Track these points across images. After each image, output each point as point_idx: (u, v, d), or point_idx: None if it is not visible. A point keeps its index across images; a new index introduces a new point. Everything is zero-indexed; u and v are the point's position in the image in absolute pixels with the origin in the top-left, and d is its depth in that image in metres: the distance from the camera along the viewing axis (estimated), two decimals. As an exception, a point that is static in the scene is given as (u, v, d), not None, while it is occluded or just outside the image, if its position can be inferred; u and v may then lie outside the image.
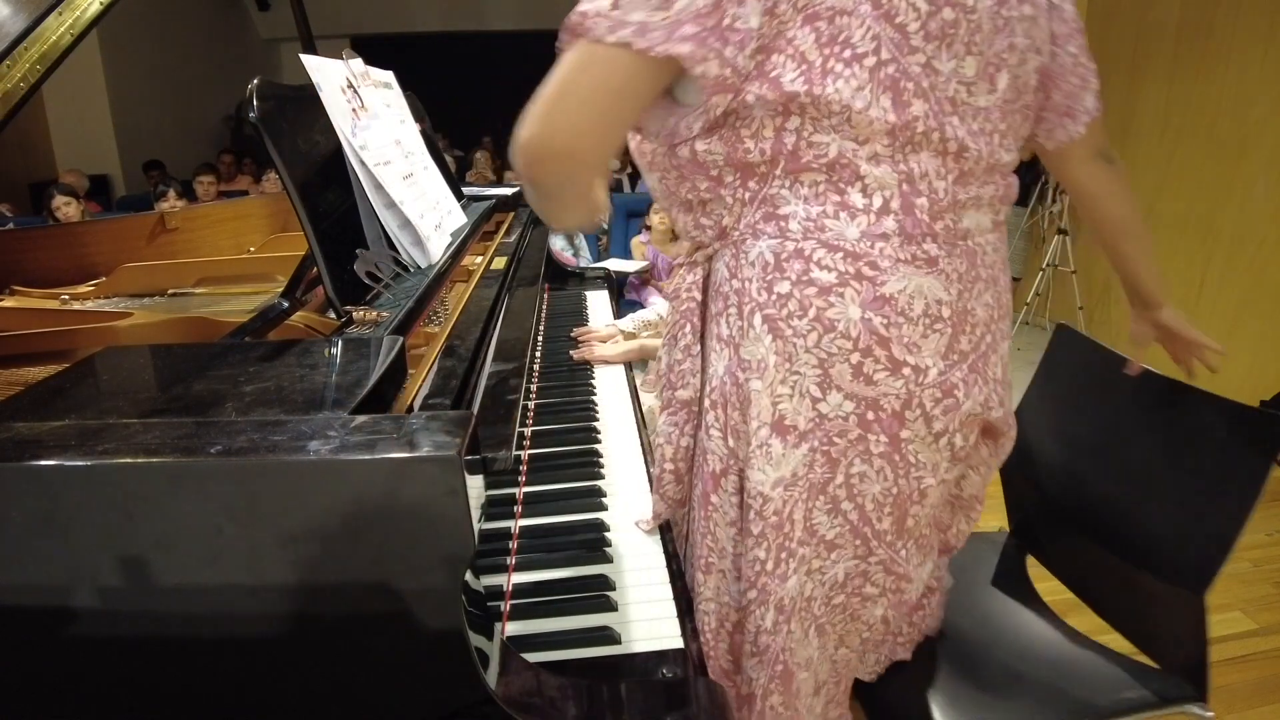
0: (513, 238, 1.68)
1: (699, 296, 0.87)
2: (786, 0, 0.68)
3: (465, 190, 1.93)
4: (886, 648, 1.03)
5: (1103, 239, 1.03)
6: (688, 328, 0.88)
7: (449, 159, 3.00)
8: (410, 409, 0.77)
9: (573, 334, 1.61)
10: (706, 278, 0.86)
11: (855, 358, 0.75)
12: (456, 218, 1.45)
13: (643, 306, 2.66)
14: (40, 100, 4.99)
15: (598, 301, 2.02)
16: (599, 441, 1.18)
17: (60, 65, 1.13)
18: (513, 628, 0.78)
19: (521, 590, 0.84)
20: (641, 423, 1.28)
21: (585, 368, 1.49)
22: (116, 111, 6.30)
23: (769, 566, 0.81)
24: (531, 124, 0.70)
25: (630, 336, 1.61)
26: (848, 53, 0.69)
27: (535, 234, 1.87)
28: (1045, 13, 0.80)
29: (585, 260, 3.93)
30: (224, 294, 1.37)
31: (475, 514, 0.55)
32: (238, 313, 1.06)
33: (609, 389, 1.40)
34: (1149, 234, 1.03)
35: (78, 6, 1.14)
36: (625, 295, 3.89)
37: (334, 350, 0.78)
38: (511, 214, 1.99)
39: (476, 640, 0.57)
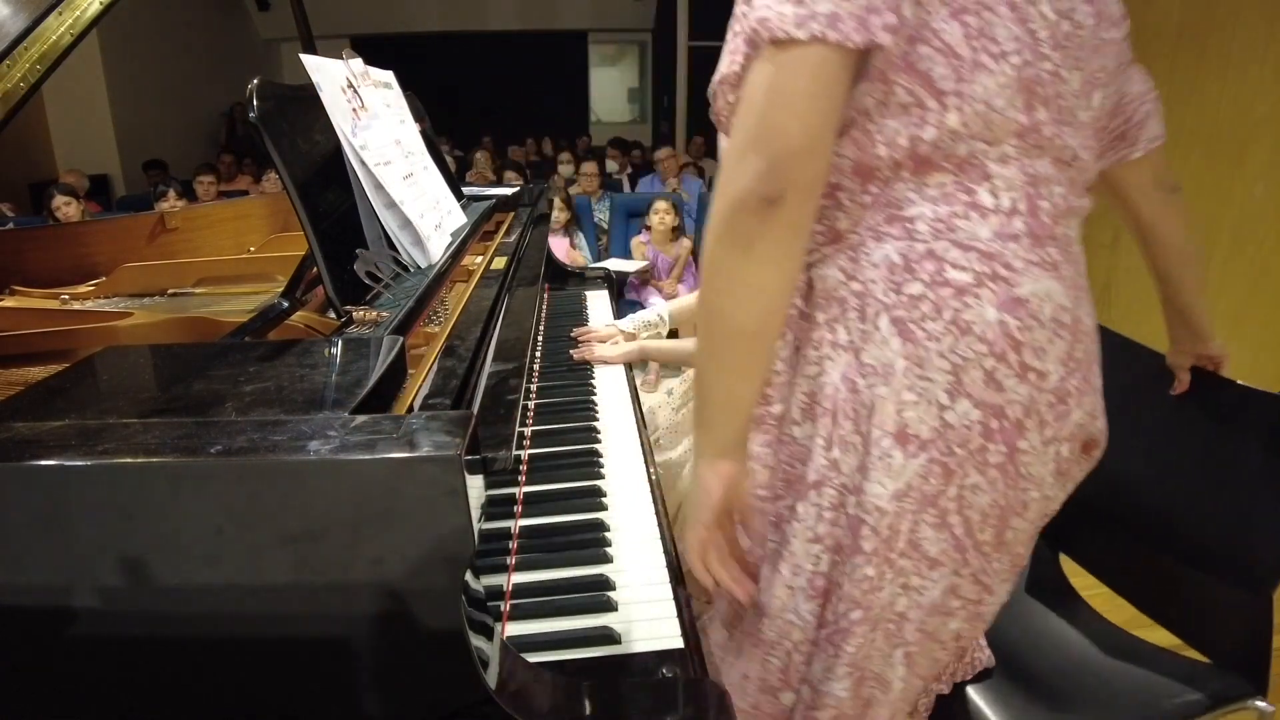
0: (513, 238, 1.68)
1: (800, 304, 0.81)
2: None
3: (465, 190, 1.93)
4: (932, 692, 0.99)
5: (1159, 268, 1.02)
6: (789, 337, 0.82)
7: (449, 159, 2.99)
8: (410, 409, 0.77)
9: (572, 334, 1.61)
10: (808, 284, 0.80)
11: (989, 363, 0.72)
12: (456, 218, 1.45)
13: (643, 306, 2.66)
14: (40, 100, 4.98)
15: (598, 301, 2.02)
16: (599, 441, 1.18)
17: (60, 65, 1.13)
18: (513, 628, 0.78)
19: (521, 590, 0.84)
20: (641, 423, 1.28)
21: (585, 368, 1.49)
22: (116, 111, 6.30)
23: (878, 583, 0.77)
24: (743, 152, 0.68)
25: (630, 337, 1.61)
26: (995, 48, 0.69)
27: (535, 234, 1.87)
28: (1123, 41, 0.81)
29: (585, 260, 3.92)
30: (224, 294, 1.37)
31: (475, 514, 0.55)
32: (238, 313, 1.06)
33: (609, 389, 1.40)
34: (1202, 265, 1.01)
35: (78, 6, 1.14)
36: (625, 295, 3.88)
37: (334, 350, 0.78)
38: (511, 214, 1.99)
39: (476, 640, 0.57)
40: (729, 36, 0.72)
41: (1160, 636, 1.13)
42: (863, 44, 0.65)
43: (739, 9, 0.71)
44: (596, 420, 1.26)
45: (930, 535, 0.76)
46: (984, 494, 0.75)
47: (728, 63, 0.73)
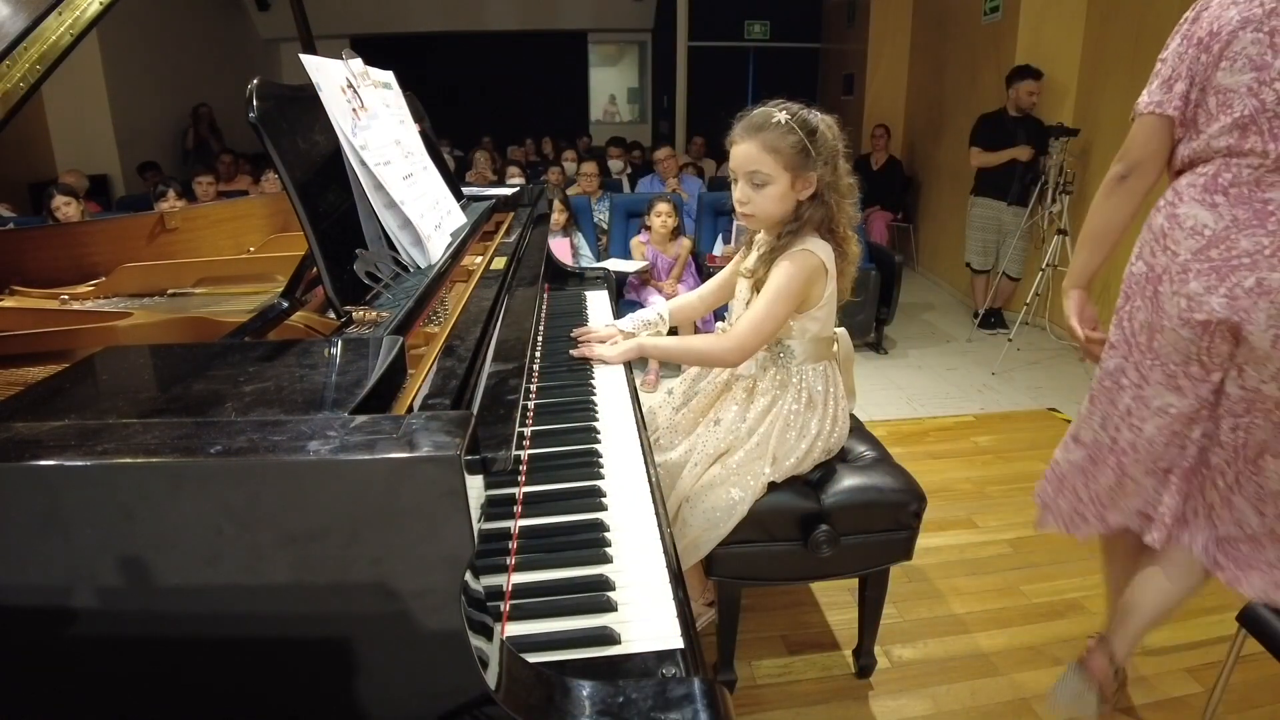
0: (513, 238, 1.68)
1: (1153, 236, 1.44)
2: None
3: (465, 190, 1.93)
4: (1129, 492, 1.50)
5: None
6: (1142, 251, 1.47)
7: (449, 159, 2.98)
8: (410, 409, 0.77)
9: (572, 334, 1.60)
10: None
11: (1152, 244, 1.37)
12: (456, 218, 1.45)
13: (642, 306, 2.66)
14: (40, 100, 4.98)
15: (597, 301, 2.02)
16: (599, 441, 1.18)
17: (60, 65, 1.13)
18: (513, 628, 0.78)
19: (521, 590, 0.84)
20: (641, 423, 1.28)
21: (585, 368, 1.49)
22: (116, 111, 6.28)
23: (1110, 347, 1.46)
24: (1121, 155, 1.42)
25: (629, 337, 1.60)
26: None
27: (535, 234, 1.87)
28: None
29: (585, 260, 3.92)
30: (224, 294, 1.37)
31: (475, 514, 0.55)
32: (238, 313, 1.06)
33: (609, 389, 1.40)
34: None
35: (78, 6, 1.14)
36: (625, 295, 3.88)
37: (334, 350, 0.78)
38: (511, 214, 1.99)
39: (476, 640, 0.57)
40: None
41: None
42: (1162, 114, 1.35)
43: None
44: (596, 420, 1.26)
45: (1116, 330, 1.44)
46: (1141, 313, 1.38)
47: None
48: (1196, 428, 1.38)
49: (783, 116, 1.37)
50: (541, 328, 1.67)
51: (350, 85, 1.17)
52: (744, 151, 1.40)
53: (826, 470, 1.58)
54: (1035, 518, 1.63)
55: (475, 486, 0.55)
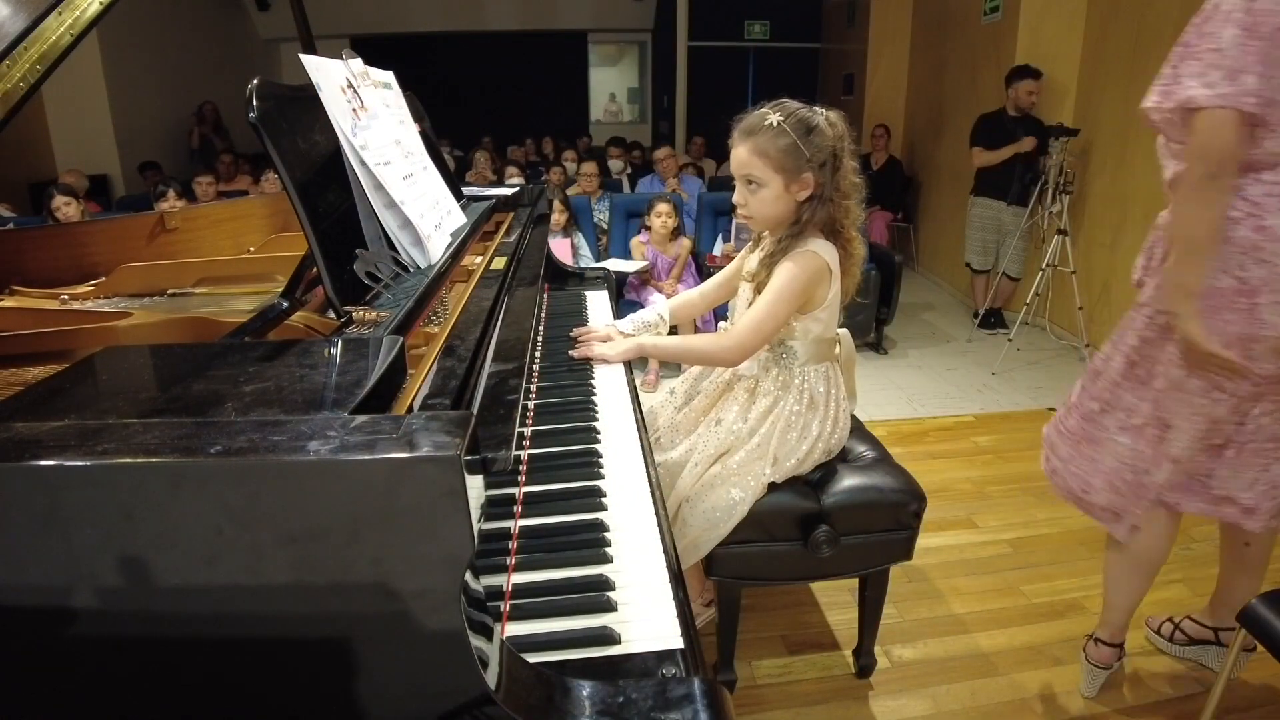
0: (513, 238, 1.68)
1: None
2: None
3: (465, 190, 1.93)
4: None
5: None
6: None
7: (449, 159, 2.98)
8: (410, 409, 0.77)
9: (571, 334, 1.60)
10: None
11: (1240, 257, 1.32)
12: (456, 218, 1.45)
13: (642, 306, 2.66)
14: (40, 100, 4.98)
15: (597, 301, 2.02)
16: (599, 441, 1.18)
17: (60, 65, 1.13)
18: (512, 628, 0.78)
19: (521, 590, 0.84)
20: (641, 423, 1.28)
21: (585, 367, 1.49)
22: (116, 111, 6.28)
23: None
24: (1202, 154, 1.30)
25: (629, 337, 1.60)
26: None
27: (535, 234, 1.87)
28: None
29: (585, 260, 3.92)
30: (224, 294, 1.37)
31: (475, 514, 0.55)
32: (238, 313, 1.06)
33: (609, 389, 1.40)
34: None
35: (78, 6, 1.14)
36: (625, 295, 3.88)
37: (334, 350, 0.78)
38: (511, 214, 1.99)
39: (476, 640, 0.57)
40: (1167, 70, 1.33)
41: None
42: (1237, 107, 1.24)
43: (1177, 56, 1.32)
44: (596, 420, 1.26)
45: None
46: (1233, 326, 1.35)
47: (1160, 96, 1.33)
48: (1258, 404, 1.44)
49: (775, 119, 1.37)
50: (541, 328, 1.67)
51: (350, 85, 1.17)
52: (738, 155, 1.40)
53: (827, 470, 1.58)
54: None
55: (475, 486, 0.55)
